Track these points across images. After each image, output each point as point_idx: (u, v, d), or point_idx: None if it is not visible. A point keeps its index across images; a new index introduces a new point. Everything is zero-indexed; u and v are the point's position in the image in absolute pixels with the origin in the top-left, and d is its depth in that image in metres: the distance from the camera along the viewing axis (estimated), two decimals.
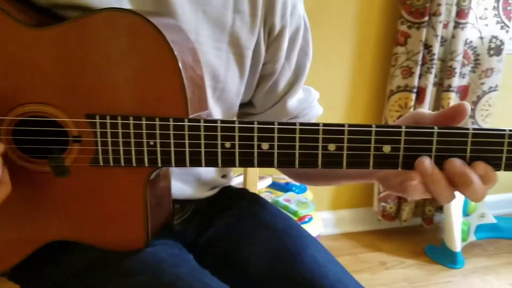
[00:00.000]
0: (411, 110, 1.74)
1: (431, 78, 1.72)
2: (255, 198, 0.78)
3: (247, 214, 0.72)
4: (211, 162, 0.51)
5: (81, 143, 0.51)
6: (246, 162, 0.51)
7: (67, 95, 0.51)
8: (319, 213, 1.88)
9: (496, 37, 1.78)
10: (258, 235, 0.67)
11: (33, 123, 0.51)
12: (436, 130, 0.46)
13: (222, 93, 0.66)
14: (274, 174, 1.59)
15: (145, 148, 0.50)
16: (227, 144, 0.50)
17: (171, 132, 0.50)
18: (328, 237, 1.96)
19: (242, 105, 0.76)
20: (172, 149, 0.50)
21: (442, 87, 1.78)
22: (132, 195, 0.53)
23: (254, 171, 1.03)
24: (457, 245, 1.76)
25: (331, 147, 0.49)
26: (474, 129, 0.46)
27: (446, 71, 1.75)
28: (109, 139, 0.50)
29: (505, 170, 0.48)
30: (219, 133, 0.50)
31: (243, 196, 0.78)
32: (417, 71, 1.70)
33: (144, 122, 0.49)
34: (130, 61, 0.49)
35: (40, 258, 0.58)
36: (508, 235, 2.00)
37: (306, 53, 0.73)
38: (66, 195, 0.54)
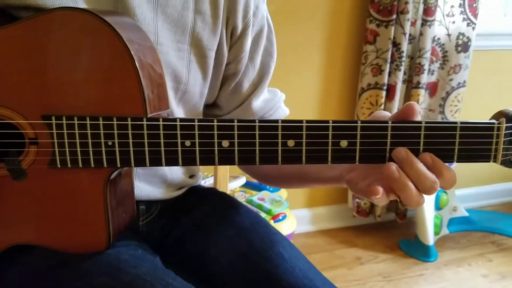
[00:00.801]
0: (382, 107, 1.77)
1: (400, 76, 1.74)
2: (223, 197, 0.78)
3: (214, 213, 0.72)
4: (171, 161, 0.51)
5: (38, 145, 0.51)
6: (207, 160, 0.51)
7: (22, 96, 0.50)
8: (295, 211, 1.90)
9: (463, 34, 1.82)
10: (224, 234, 0.67)
11: None
12: (390, 124, 0.47)
13: (184, 94, 0.66)
14: None
15: (103, 149, 0.50)
16: (187, 143, 0.50)
17: (130, 132, 0.49)
18: (304, 234, 1.97)
19: (208, 107, 0.76)
20: (131, 149, 0.50)
21: (411, 84, 1.81)
22: (92, 197, 0.52)
23: (224, 172, 1.03)
24: (430, 239, 1.80)
25: (290, 143, 0.49)
26: (426, 122, 0.47)
27: (415, 68, 1.78)
28: (66, 140, 0.50)
29: (457, 161, 0.49)
30: (178, 132, 0.50)
31: (211, 195, 0.78)
32: (387, 68, 1.72)
33: (101, 122, 0.49)
34: (85, 60, 0.49)
35: None
36: (480, 228, 2.05)
37: (270, 54, 0.74)
38: (25, 198, 0.53)
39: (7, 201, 0.53)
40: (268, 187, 1.54)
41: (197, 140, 0.50)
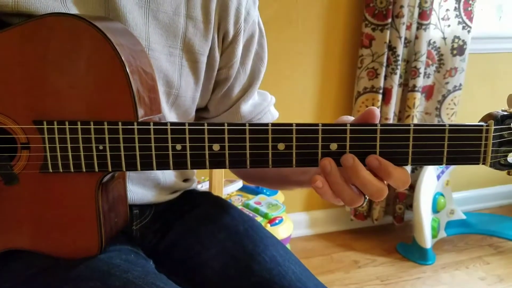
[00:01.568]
0: (379, 110, 1.77)
1: (396, 79, 1.75)
2: (217, 201, 0.78)
3: (207, 217, 0.72)
4: (162, 165, 0.51)
5: (30, 149, 0.51)
6: (198, 163, 0.51)
7: (14, 101, 0.50)
8: (293, 214, 1.90)
9: (458, 37, 1.83)
10: (217, 238, 0.67)
11: None
12: (379, 127, 0.48)
13: (176, 99, 0.66)
14: None
15: (95, 153, 0.50)
16: (178, 147, 0.50)
17: (121, 136, 0.49)
18: (302, 238, 1.97)
19: (196, 110, 0.76)
20: (122, 153, 0.50)
21: (407, 88, 1.82)
22: (83, 201, 0.52)
23: (219, 176, 1.03)
24: (427, 242, 1.80)
25: (281, 146, 0.50)
26: (415, 125, 0.48)
27: (411, 71, 1.78)
28: (58, 145, 0.50)
29: (447, 164, 0.49)
30: (169, 136, 0.50)
31: (205, 199, 0.78)
32: (383, 72, 1.73)
33: (92, 126, 0.49)
34: (76, 65, 0.49)
35: None
36: (478, 230, 2.05)
37: (261, 59, 0.74)
38: (17, 203, 0.53)
39: None
40: (265, 190, 1.55)
41: (188, 144, 0.50)
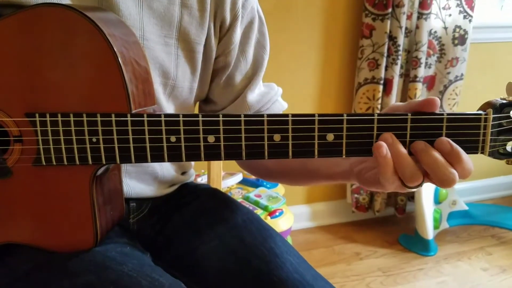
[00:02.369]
0: (379, 101, 1.76)
1: (397, 70, 1.73)
2: (215, 194, 0.77)
3: (205, 211, 0.71)
4: (157, 157, 0.50)
5: (23, 142, 0.50)
6: (193, 156, 0.50)
7: (6, 94, 0.50)
8: (294, 207, 1.89)
9: (459, 27, 1.81)
10: (215, 231, 0.66)
11: None
12: (375, 117, 0.47)
13: (173, 90, 0.65)
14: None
15: (88, 145, 0.49)
16: (173, 138, 0.50)
17: (114, 128, 0.49)
18: (304, 230, 1.97)
19: (204, 103, 0.75)
20: (116, 145, 0.49)
21: (408, 78, 1.80)
22: (78, 194, 0.52)
23: (217, 168, 1.02)
24: (430, 233, 1.79)
25: (276, 137, 0.49)
26: (412, 113, 0.47)
27: (412, 62, 1.77)
28: (50, 137, 0.49)
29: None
30: (163, 128, 0.49)
31: (203, 192, 0.77)
32: (383, 62, 1.71)
33: (85, 118, 0.49)
34: (68, 57, 0.48)
35: None
36: (480, 221, 2.04)
37: (263, 46, 0.73)
38: (11, 197, 0.53)
39: None
40: (265, 183, 1.54)
41: (182, 136, 0.49)
